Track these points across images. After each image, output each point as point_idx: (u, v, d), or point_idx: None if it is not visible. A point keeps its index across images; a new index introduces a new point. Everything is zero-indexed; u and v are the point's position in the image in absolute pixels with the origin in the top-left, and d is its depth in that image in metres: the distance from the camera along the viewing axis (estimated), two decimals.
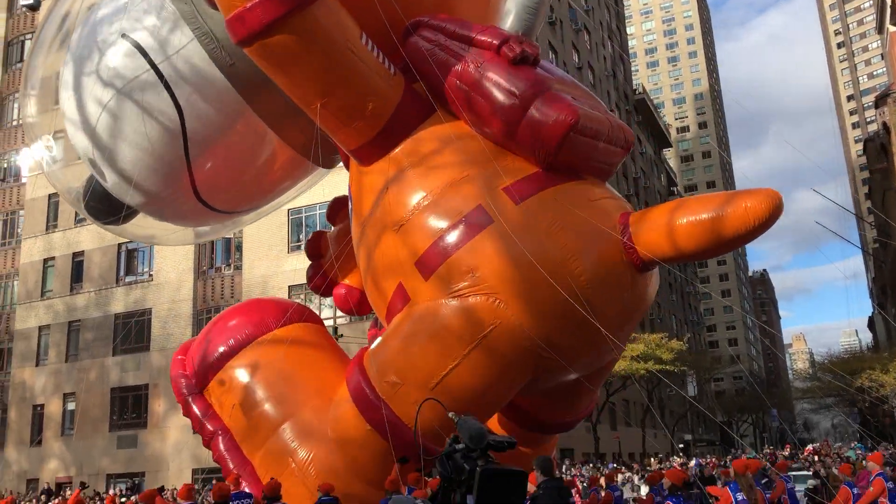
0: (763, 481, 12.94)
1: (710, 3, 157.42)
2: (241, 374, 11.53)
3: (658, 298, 70.24)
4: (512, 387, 10.25)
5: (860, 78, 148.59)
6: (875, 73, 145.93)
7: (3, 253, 40.41)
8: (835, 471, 21.49)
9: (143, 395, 34.76)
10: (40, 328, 37.86)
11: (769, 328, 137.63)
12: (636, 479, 25.22)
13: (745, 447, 49.34)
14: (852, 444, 44.55)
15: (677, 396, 61.58)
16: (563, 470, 27.58)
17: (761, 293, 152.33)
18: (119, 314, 36.18)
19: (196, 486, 12.53)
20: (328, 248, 12.84)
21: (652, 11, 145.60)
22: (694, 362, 53.36)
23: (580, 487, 17.95)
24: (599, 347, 9.38)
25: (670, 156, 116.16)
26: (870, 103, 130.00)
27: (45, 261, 38.49)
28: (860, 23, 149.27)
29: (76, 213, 34.74)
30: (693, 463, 28.59)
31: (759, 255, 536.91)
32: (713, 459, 33.07)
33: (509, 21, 11.00)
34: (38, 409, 36.78)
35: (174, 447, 33.13)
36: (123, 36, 10.65)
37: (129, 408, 35.27)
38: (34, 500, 27.53)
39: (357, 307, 12.52)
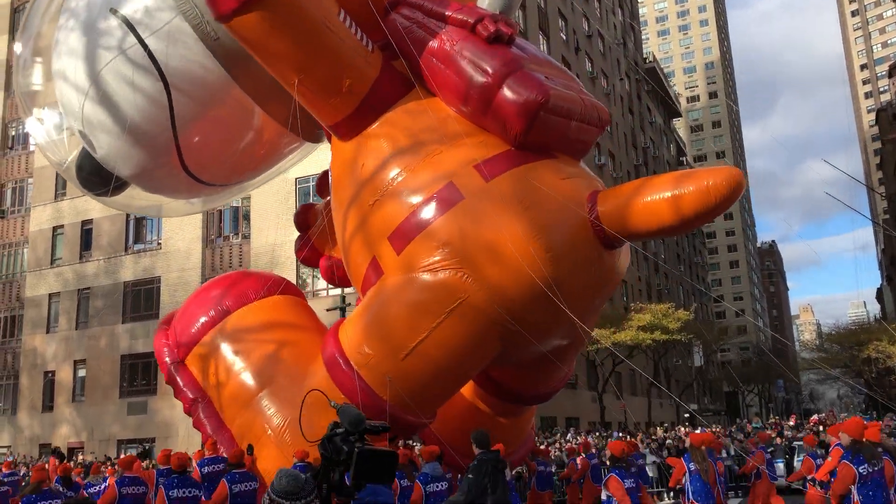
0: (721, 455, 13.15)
1: None
2: (221, 344, 11.74)
3: (665, 269, 70.17)
4: (480, 359, 10.47)
5: (874, 47, 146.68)
6: (889, 41, 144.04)
7: (13, 221, 40.61)
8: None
9: (153, 363, 34.99)
10: (50, 296, 38.17)
11: (777, 299, 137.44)
12: (641, 447, 25.41)
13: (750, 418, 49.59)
14: (859, 414, 44.73)
15: (683, 366, 61.80)
16: (568, 438, 27.79)
17: (769, 264, 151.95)
18: (128, 282, 36.42)
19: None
20: (316, 219, 12.97)
21: None
22: (700, 332, 53.45)
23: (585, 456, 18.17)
24: (566, 323, 9.51)
25: (680, 126, 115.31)
26: (883, 73, 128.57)
27: (55, 229, 38.69)
28: None
29: None
30: (698, 432, 28.75)
31: (768, 225, 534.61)
32: (718, 429, 33.28)
33: (487, 0, 11.05)
34: (50, 375, 37.20)
35: (183, 414, 33.44)
36: (112, 11, 10.75)
37: (139, 375, 35.64)
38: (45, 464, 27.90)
39: (342, 279, 12.69)
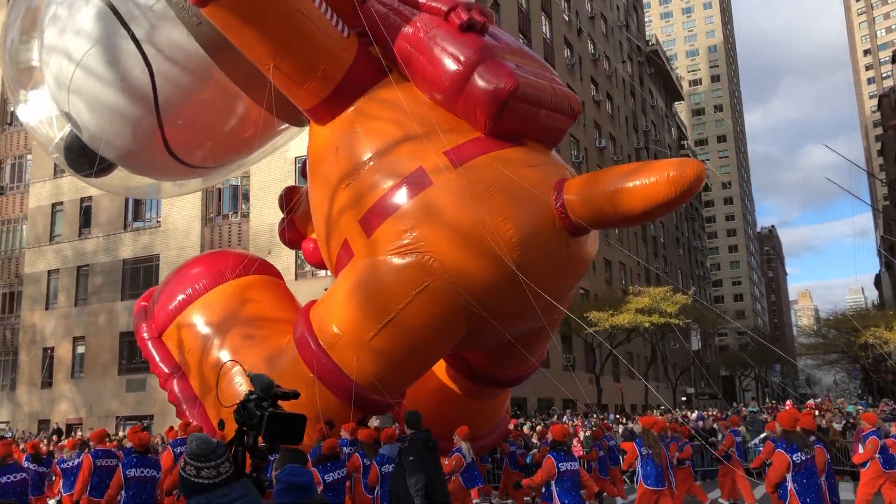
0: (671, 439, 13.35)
1: None
2: (197, 321, 12.06)
3: (665, 253, 70.23)
4: (446, 341, 10.65)
5: (878, 32, 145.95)
6: (893, 27, 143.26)
7: (12, 197, 40.57)
8: (836, 425, 21.85)
9: None
10: (49, 272, 38.21)
11: (775, 284, 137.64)
12: (637, 429, 25.54)
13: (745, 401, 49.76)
14: (854, 401, 44.96)
15: (681, 350, 61.98)
16: (564, 420, 27.90)
17: (769, 249, 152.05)
18: (127, 259, 36.44)
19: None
20: (301, 202, 13.11)
21: None
22: (699, 316, 53.55)
23: (581, 437, 18.27)
24: (531, 308, 9.66)
25: (681, 109, 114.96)
26: (886, 58, 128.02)
27: (54, 205, 38.66)
28: None
29: None
30: (695, 415, 28.90)
31: (767, 210, 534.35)
32: (715, 412, 33.46)
33: None
34: (49, 351, 37.32)
35: None
36: None
37: (138, 352, 35.68)
38: (45, 440, 28.07)
39: (322, 262, 12.83)
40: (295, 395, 3.81)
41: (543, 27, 48.29)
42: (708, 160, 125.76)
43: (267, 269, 13.43)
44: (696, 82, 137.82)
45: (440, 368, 13.00)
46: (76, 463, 11.93)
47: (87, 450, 13.23)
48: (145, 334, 12.79)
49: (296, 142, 15.34)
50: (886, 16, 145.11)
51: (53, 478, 13.92)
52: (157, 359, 12.43)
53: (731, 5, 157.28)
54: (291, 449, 9.06)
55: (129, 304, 35.93)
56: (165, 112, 11.22)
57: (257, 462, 3.37)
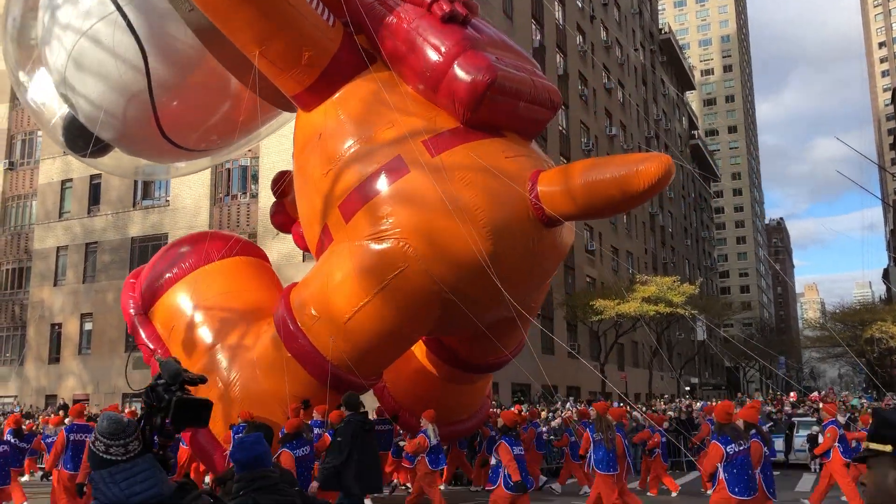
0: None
1: None
2: (182, 299, 12.44)
3: (672, 242, 70.07)
4: (420, 326, 10.92)
5: (893, 25, 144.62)
6: None
7: (22, 173, 40.67)
8: (840, 418, 21.84)
9: None
10: (58, 249, 38.34)
11: (782, 276, 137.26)
12: (640, 417, 25.61)
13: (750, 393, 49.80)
14: (859, 394, 44.91)
15: (686, 340, 61.96)
16: (567, 406, 27.97)
17: (777, 241, 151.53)
18: (136, 237, 36.54)
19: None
20: (292, 187, 13.41)
21: None
22: (705, 307, 53.48)
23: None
24: (501, 297, 9.86)
25: (693, 99, 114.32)
26: None
27: (63, 182, 38.74)
28: None
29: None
30: (699, 405, 28.94)
31: (775, 202, 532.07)
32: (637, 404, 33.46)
33: None
34: (57, 328, 37.51)
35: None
36: None
37: None
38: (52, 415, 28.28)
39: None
40: (202, 380, 4.04)
41: (557, 13, 48.02)
42: (718, 150, 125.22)
43: (252, 251, 13.83)
44: (708, 72, 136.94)
45: (421, 352, 13.30)
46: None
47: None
48: (132, 310, 13.15)
49: None
50: None
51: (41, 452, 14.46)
52: (143, 335, 12.79)
53: None
54: (258, 424, 9.39)
55: None
56: (159, 95, 11.45)
57: (163, 441, 3.59)
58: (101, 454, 2.91)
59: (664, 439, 15.09)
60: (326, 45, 10.61)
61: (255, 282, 12.89)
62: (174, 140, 12.35)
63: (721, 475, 9.16)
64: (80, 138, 12.34)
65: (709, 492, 10.22)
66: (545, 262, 10.74)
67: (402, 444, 14.04)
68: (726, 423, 9.45)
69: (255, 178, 34.56)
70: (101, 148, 12.51)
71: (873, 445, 2.01)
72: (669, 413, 23.13)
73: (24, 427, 14.78)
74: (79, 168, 38.15)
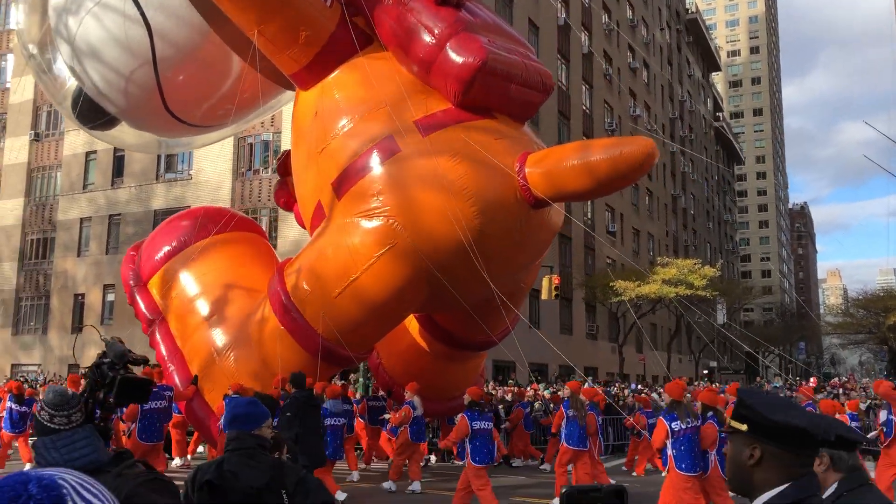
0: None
1: None
2: (180, 272, 12.75)
3: (694, 225, 69.58)
4: (408, 302, 11.13)
5: None
6: None
7: (48, 144, 40.98)
8: (861, 405, 21.71)
9: None
10: (82, 220, 38.69)
11: (804, 262, 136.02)
12: (659, 399, 25.59)
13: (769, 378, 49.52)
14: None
15: (705, 323, 61.71)
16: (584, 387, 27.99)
17: (799, 226, 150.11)
18: (159, 210, 36.76)
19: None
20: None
21: None
22: (725, 290, 53.15)
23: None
24: (492, 275, 10.05)
25: (718, 80, 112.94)
26: None
27: (88, 154, 39.01)
28: None
29: None
30: (718, 388, 28.83)
31: (798, 186, 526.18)
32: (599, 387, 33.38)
33: None
34: (80, 298, 37.95)
35: None
36: None
37: None
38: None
39: None
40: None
41: None
42: (743, 133, 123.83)
43: (249, 226, 14.11)
44: (734, 53, 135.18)
45: (415, 330, 13.63)
46: None
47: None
48: (132, 282, 13.53)
49: None
50: None
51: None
52: (142, 306, 13.17)
53: None
54: (263, 396, 9.65)
55: None
56: (163, 70, 11.66)
57: (105, 413, 3.92)
58: (45, 423, 3.09)
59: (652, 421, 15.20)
60: (323, 24, 10.82)
61: (251, 257, 13.20)
62: (179, 116, 12.64)
63: (669, 452, 9.50)
64: (89, 111, 12.64)
65: (664, 473, 10.48)
66: (533, 243, 10.98)
67: (386, 416, 14.53)
68: (679, 401, 9.77)
69: (277, 153, 34.62)
70: (108, 121, 12.82)
71: (733, 424, 2.08)
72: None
73: (24, 393, 15.35)
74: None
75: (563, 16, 42.89)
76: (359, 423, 15.53)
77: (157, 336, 12.74)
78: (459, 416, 10.79)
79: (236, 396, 11.03)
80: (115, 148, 38.11)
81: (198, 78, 12.36)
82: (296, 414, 9.81)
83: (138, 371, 4.62)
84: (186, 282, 12.62)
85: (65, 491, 1.11)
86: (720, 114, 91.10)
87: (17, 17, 13.45)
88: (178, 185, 36.57)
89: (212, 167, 35.42)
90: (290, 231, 30.39)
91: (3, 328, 39.41)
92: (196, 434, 15.22)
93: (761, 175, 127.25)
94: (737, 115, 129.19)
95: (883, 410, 11.48)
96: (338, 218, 10.67)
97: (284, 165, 13.85)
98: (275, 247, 29.24)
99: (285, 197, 14.00)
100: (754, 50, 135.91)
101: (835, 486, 2.66)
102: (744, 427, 2.05)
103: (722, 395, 13.34)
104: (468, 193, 9.89)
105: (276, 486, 3.58)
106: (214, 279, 12.55)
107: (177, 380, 12.12)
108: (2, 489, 1.08)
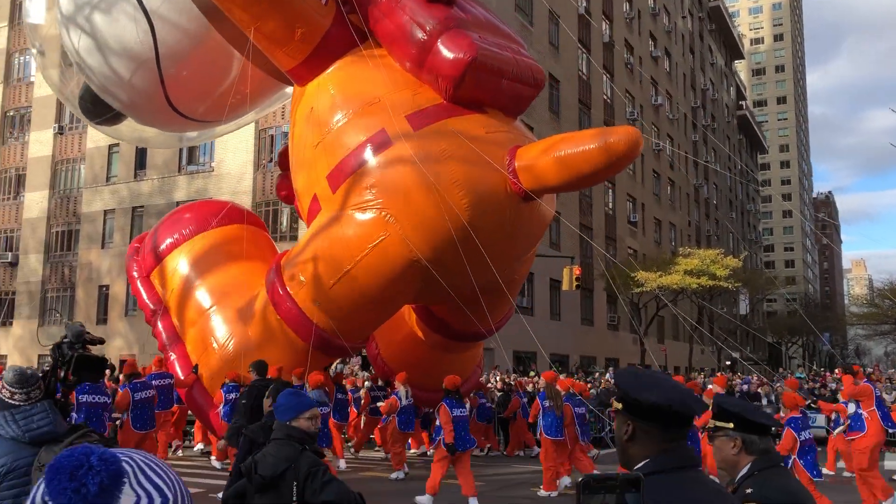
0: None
1: None
2: (182, 263, 13.10)
3: (716, 215, 69.05)
4: (401, 293, 11.39)
5: None
6: None
7: (71, 137, 41.37)
8: (886, 395, 21.51)
9: None
10: (105, 212, 39.07)
11: (829, 252, 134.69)
12: (541, 383, 25.44)
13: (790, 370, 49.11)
14: None
15: (728, 313, 61.28)
16: (607, 377, 27.92)
17: (824, 215, 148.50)
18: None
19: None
20: None
21: None
22: (748, 281, 52.72)
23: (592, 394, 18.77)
24: (482, 268, 10.31)
25: (741, 68, 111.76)
26: None
27: (111, 146, 39.34)
28: None
29: None
30: (741, 380, 28.67)
31: (822, 175, 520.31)
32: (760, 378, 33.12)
33: None
34: (104, 289, 38.36)
35: None
36: None
37: None
38: None
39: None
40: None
41: None
42: (766, 122, 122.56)
43: (250, 219, 14.41)
44: (758, 41, 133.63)
45: (412, 320, 13.93)
46: None
47: None
48: (135, 273, 13.82)
49: None
50: None
51: None
52: (145, 296, 13.47)
53: None
54: (280, 380, 9.96)
55: None
56: (166, 68, 11.88)
57: (65, 390, 4.27)
58: (6, 399, 3.37)
59: None
60: (319, 21, 11.03)
61: (252, 249, 13.48)
62: (182, 111, 12.93)
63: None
64: (95, 106, 12.94)
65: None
66: (524, 235, 11.20)
67: (379, 405, 14.80)
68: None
69: None
70: (113, 116, 13.11)
71: (614, 403, 2.21)
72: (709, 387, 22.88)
73: None
74: None
75: (584, 4, 42.61)
76: (352, 412, 15.73)
77: (159, 325, 13.11)
78: (440, 405, 11.04)
79: (234, 384, 11.62)
80: None
81: (201, 73, 12.60)
82: (252, 402, 9.96)
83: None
84: (188, 274, 12.97)
85: (126, 467, 1.21)
86: (743, 102, 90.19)
87: (26, 12, 13.79)
88: (200, 177, 36.80)
89: (233, 159, 35.62)
90: None
91: (31, 319, 39.93)
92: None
93: (785, 164, 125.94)
94: (760, 103, 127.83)
95: None
96: (333, 210, 10.92)
97: (284, 160, 14.08)
98: (296, 239, 29.32)
99: (286, 190, 14.34)
100: (778, 37, 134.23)
101: (747, 467, 2.81)
102: (620, 406, 2.17)
103: (710, 388, 13.74)
104: (459, 187, 10.13)
105: (290, 476, 3.76)
106: (215, 271, 12.88)
107: (178, 368, 12.49)
108: (68, 458, 1.19)
